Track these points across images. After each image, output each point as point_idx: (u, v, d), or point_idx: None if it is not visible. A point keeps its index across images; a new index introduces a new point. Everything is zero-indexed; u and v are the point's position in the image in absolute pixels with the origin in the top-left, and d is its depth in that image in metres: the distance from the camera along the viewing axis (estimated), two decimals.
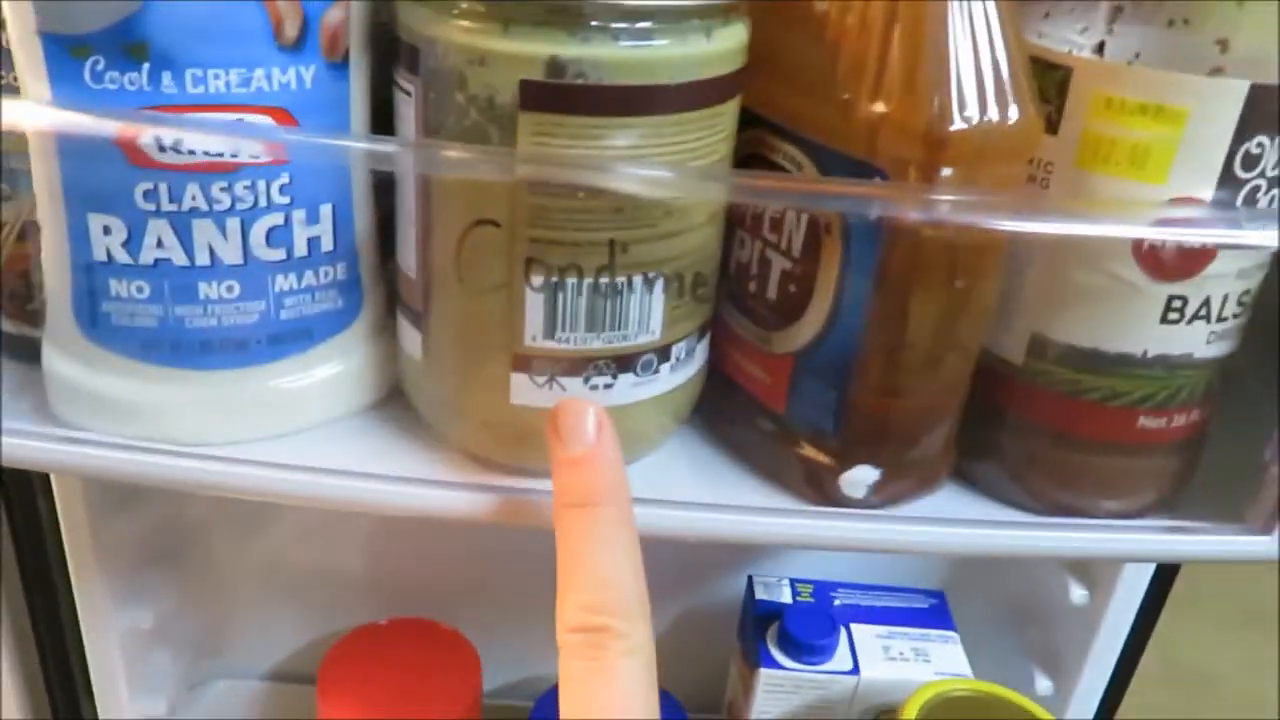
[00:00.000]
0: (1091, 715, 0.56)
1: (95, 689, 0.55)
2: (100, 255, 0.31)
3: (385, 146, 0.29)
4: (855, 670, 0.54)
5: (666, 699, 0.59)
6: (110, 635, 0.53)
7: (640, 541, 0.29)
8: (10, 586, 0.52)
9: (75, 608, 0.52)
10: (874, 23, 0.30)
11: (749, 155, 0.34)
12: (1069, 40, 0.31)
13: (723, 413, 0.38)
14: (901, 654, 0.56)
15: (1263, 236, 0.29)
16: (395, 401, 0.37)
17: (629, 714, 0.27)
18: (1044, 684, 0.57)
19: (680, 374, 0.34)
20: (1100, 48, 0.30)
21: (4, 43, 0.31)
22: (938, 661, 0.55)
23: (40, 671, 0.55)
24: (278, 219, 0.32)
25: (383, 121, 0.33)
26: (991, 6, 0.30)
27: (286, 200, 0.32)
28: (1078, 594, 0.54)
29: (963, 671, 0.55)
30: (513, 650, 0.60)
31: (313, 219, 0.33)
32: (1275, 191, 0.31)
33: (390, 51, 0.32)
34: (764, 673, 0.54)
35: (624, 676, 0.27)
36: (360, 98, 0.33)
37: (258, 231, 0.32)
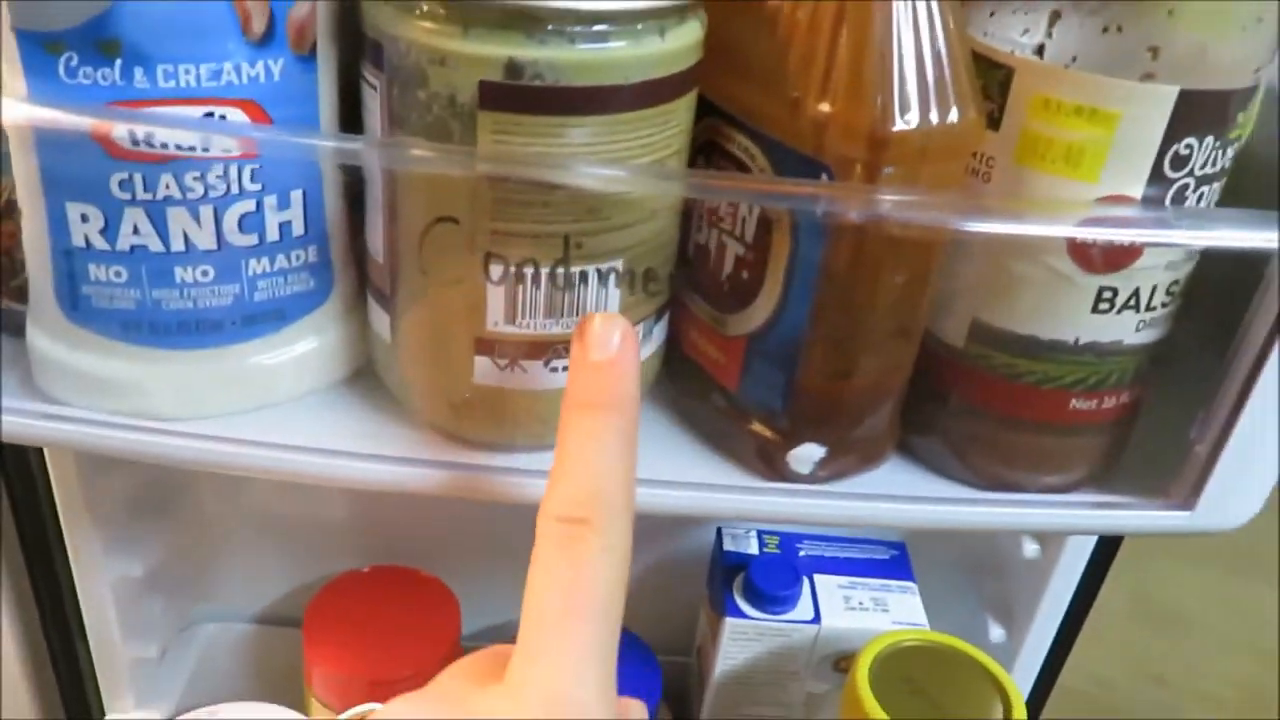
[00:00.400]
0: (1040, 663, 0.59)
1: (89, 634, 0.57)
2: (79, 242, 0.32)
3: (350, 144, 0.30)
4: (816, 619, 0.57)
5: (637, 644, 0.61)
6: (102, 584, 0.55)
7: None
8: (9, 542, 0.54)
9: (69, 559, 0.54)
10: (822, 24, 0.31)
11: (706, 142, 0.35)
12: (1012, 41, 0.32)
13: (681, 387, 0.39)
14: (861, 604, 0.58)
15: (1187, 235, 0.30)
16: (367, 374, 0.39)
17: (592, 605, 0.26)
18: (997, 633, 0.60)
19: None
20: (1040, 50, 0.31)
21: None
22: (896, 611, 0.58)
23: (38, 620, 0.57)
24: (249, 205, 0.33)
25: (352, 105, 0.34)
26: (936, 9, 0.31)
27: (258, 187, 0.33)
28: (1030, 549, 0.56)
29: (919, 621, 0.57)
30: (491, 597, 0.63)
31: (284, 204, 0.34)
32: (1204, 189, 0.32)
33: (358, 40, 0.33)
34: (729, 621, 0.57)
35: (594, 569, 0.27)
36: (328, 87, 0.34)
37: (230, 218, 0.33)
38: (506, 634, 0.63)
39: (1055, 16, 0.31)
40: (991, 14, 0.32)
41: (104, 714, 0.61)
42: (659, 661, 0.62)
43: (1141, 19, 0.29)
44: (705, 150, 0.36)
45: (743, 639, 0.57)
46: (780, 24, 0.32)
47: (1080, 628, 0.59)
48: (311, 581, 0.65)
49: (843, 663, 0.58)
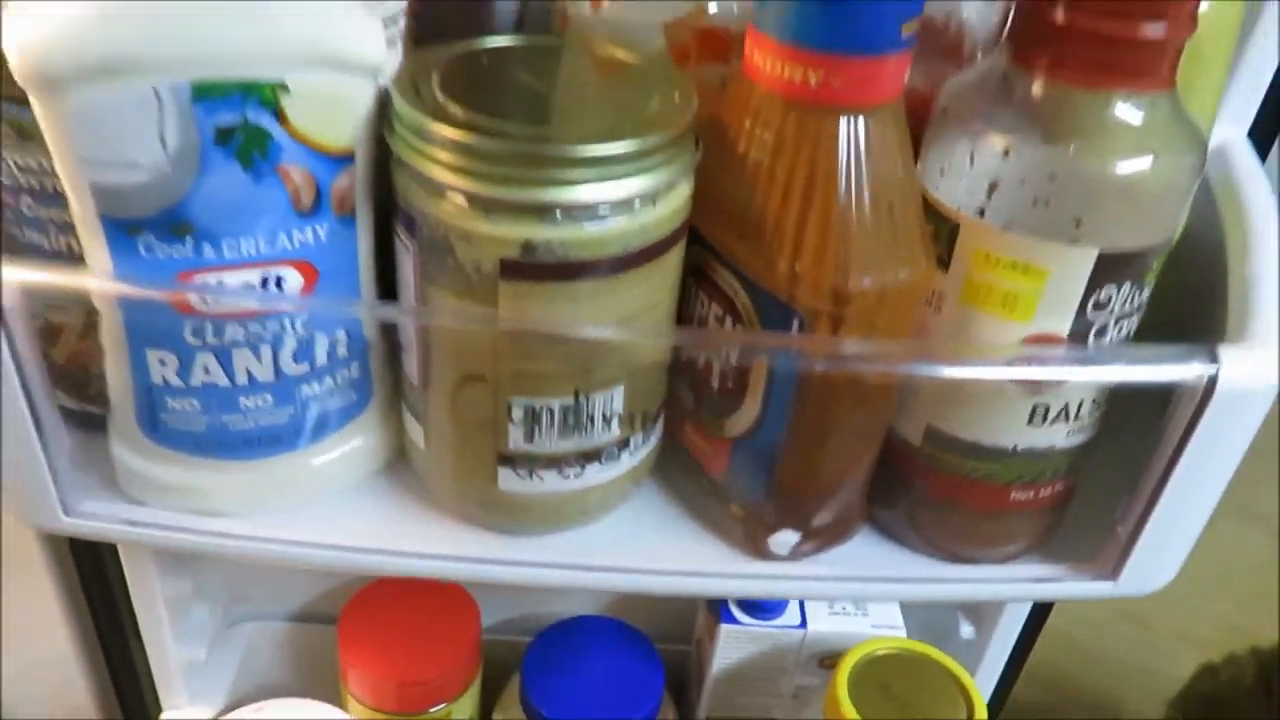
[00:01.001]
0: (1005, 658, 0.65)
1: (145, 641, 0.64)
2: (157, 380, 0.38)
3: (388, 310, 0.36)
4: (803, 625, 0.63)
5: (640, 638, 0.68)
6: (156, 599, 0.62)
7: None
8: (65, 560, 0.61)
9: (125, 580, 0.60)
10: (793, 191, 0.36)
11: (695, 267, 0.41)
12: (959, 199, 0.37)
13: (676, 468, 0.45)
14: (844, 609, 0.65)
15: (1103, 371, 0.36)
16: (403, 462, 0.44)
17: None
18: (967, 630, 0.66)
19: (638, 455, 0.41)
20: (982, 211, 0.36)
21: (52, 188, 0.37)
22: (875, 615, 0.64)
23: (97, 636, 0.64)
24: (302, 342, 0.39)
25: (384, 250, 0.39)
26: (895, 177, 0.36)
27: (308, 331, 0.38)
28: None
29: (896, 623, 0.64)
30: (506, 594, 0.69)
31: (331, 334, 0.39)
32: (1123, 323, 0.37)
33: (390, 196, 0.38)
34: (724, 628, 0.63)
35: None
36: (365, 239, 0.39)
37: (286, 354, 0.38)
38: (525, 626, 0.71)
39: (993, 187, 0.35)
40: (942, 172, 0.37)
41: (160, 712, 0.68)
42: (660, 651, 0.68)
43: (1066, 196, 0.34)
44: (695, 273, 0.41)
45: (736, 642, 0.64)
46: (758, 187, 0.37)
47: (1042, 626, 0.65)
48: (344, 582, 0.71)
49: (827, 660, 0.65)
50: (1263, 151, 0.49)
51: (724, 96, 0.38)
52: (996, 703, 0.68)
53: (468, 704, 0.66)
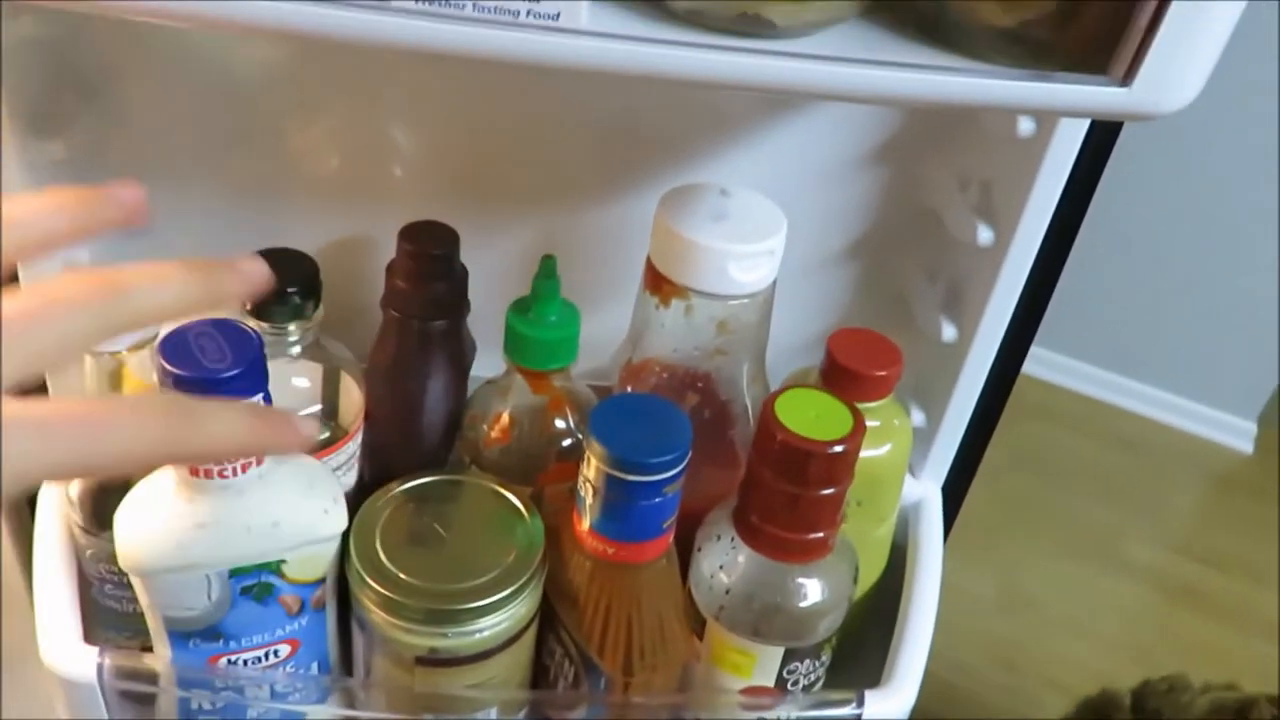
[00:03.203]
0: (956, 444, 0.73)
1: None
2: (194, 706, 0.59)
3: (346, 682, 0.57)
4: None
5: None
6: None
7: None
8: None
9: None
10: (599, 610, 0.58)
11: (543, 627, 0.62)
12: (705, 604, 0.59)
13: None
14: None
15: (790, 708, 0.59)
16: None
17: None
18: (918, 416, 0.72)
19: None
20: (720, 611, 0.58)
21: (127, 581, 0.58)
22: None
23: None
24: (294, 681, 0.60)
25: (345, 620, 0.61)
26: (665, 596, 0.58)
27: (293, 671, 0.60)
28: (949, 331, 0.67)
29: None
30: None
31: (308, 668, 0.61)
32: (813, 675, 0.60)
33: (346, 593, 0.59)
34: None
35: None
36: (332, 619, 0.60)
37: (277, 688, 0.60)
38: None
39: (721, 609, 0.58)
40: (696, 586, 0.59)
41: None
42: None
43: (769, 618, 0.57)
44: (543, 627, 0.62)
45: None
46: (579, 600, 0.58)
47: (999, 415, 0.73)
48: None
49: None
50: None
51: (566, 521, 0.60)
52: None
53: None
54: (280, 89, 0.65)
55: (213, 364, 0.48)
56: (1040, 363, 2.38)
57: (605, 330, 0.65)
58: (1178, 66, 0.40)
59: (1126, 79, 0.40)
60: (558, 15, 0.38)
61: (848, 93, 0.42)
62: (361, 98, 0.66)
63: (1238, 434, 2.31)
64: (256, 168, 0.67)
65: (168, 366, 0.48)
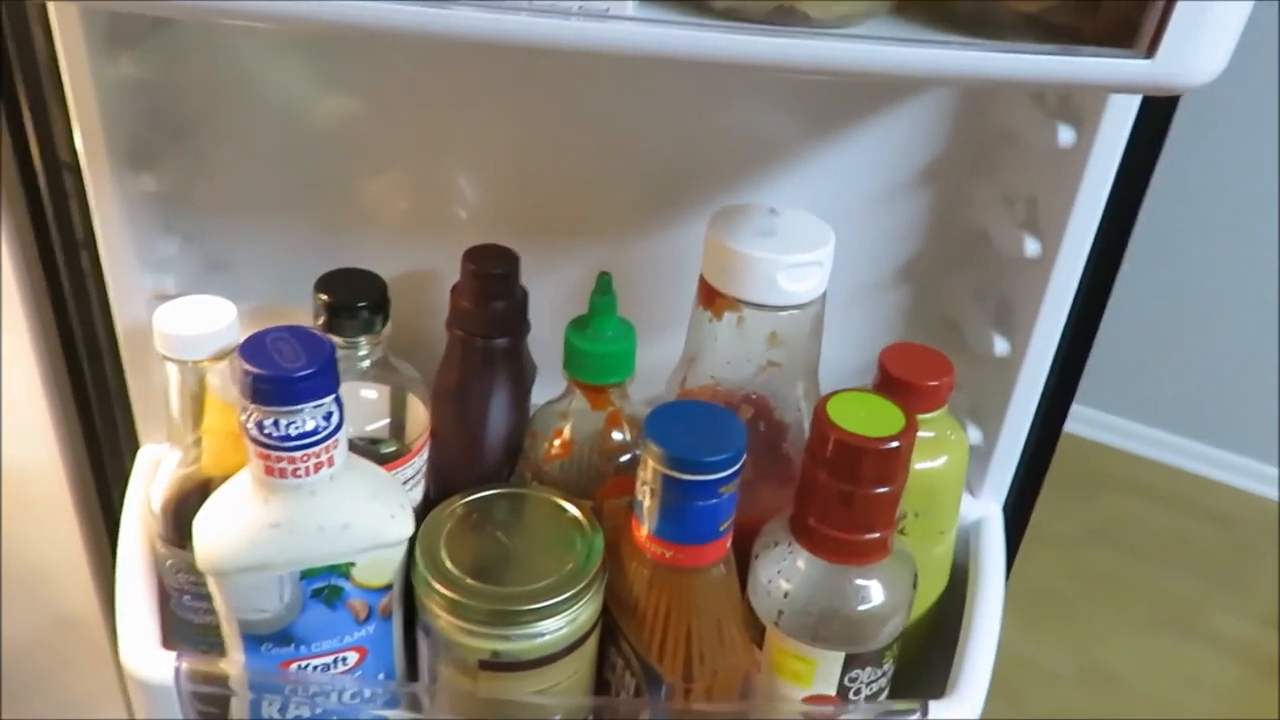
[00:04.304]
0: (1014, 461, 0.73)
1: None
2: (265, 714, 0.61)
3: (411, 688, 0.58)
4: None
5: None
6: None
7: None
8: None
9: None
10: (659, 609, 0.58)
11: (605, 630, 0.63)
12: (764, 611, 0.59)
13: None
14: None
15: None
16: None
17: None
18: (975, 435, 0.72)
19: None
20: (777, 622, 0.59)
21: (205, 593, 0.60)
22: None
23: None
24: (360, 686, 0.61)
25: (411, 629, 0.62)
26: (724, 602, 0.58)
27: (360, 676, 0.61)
28: (1001, 346, 0.68)
29: None
30: None
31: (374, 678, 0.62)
32: (875, 685, 0.60)
33: (412, 601, 0.61)
34: None
35: None
36: (398, 629, 0.62)
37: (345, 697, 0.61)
38: None
39: (780, 613, 0.58)
40: (755, 593, 0.60)
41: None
42: None
43: (828, 622, 0.57)
44: (604, 641, 0.63)
45: None
46: (639, 607, 0.59)
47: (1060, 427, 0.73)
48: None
49: None
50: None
51: (625, 534, 0.61)
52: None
53: None
54: (352, 137, 0.70)
55: (288, 364, 0.51)
56: (1112, 430, 2.35)
57: (660, 357, 0.67)
58: (1201, 37, 0.41)
59: (1150, 51, 0.42)
60: (606, 10, 0.42)
61: (881, 71, 0.44)
62: (428, 144, 0.70)
63: None
64: (330, 207, 0.71)
65: (247, 366, 0.51)
